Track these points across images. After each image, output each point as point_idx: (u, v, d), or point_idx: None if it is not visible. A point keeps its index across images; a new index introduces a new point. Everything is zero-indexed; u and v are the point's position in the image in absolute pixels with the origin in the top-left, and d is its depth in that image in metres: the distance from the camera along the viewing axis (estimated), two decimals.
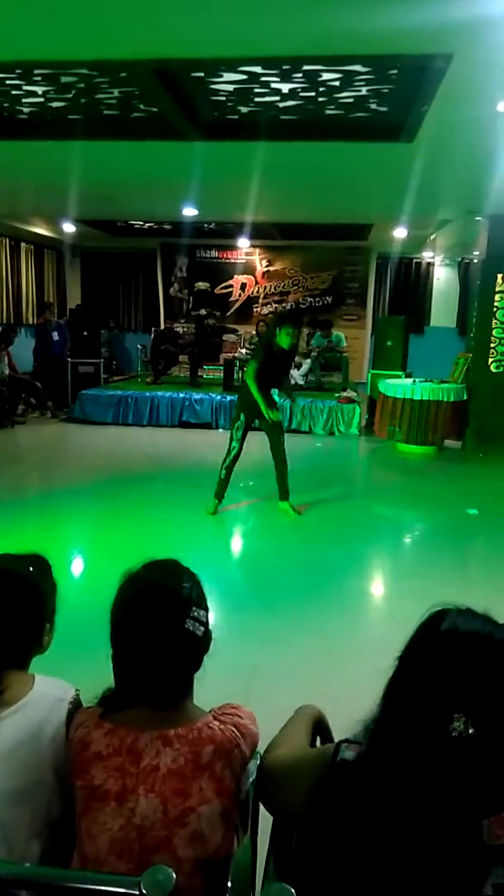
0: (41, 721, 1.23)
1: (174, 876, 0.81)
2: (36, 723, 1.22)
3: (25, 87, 4.10)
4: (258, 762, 1.24)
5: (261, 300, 12.09)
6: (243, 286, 12.12)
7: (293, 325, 4.91)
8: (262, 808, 1.24)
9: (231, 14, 2.96)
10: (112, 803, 1.11)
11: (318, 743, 1.37)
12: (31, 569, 1.35)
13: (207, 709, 1.24)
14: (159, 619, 1.17)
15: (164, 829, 1.09)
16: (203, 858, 1.11)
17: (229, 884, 1.05)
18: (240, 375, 9.76)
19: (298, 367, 10.23)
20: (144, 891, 0.79)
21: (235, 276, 12.10)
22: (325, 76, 3.74)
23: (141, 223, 10.65)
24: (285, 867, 1.13)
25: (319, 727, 1.38)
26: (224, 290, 12.15)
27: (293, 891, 0.81)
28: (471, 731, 0.87)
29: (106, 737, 1.15)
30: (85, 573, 4.16)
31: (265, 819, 1.25)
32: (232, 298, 12.16)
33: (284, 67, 3.62)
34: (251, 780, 1.21)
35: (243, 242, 11.53)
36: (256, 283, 12.07)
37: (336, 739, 1.40)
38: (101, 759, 1.14)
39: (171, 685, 1.19)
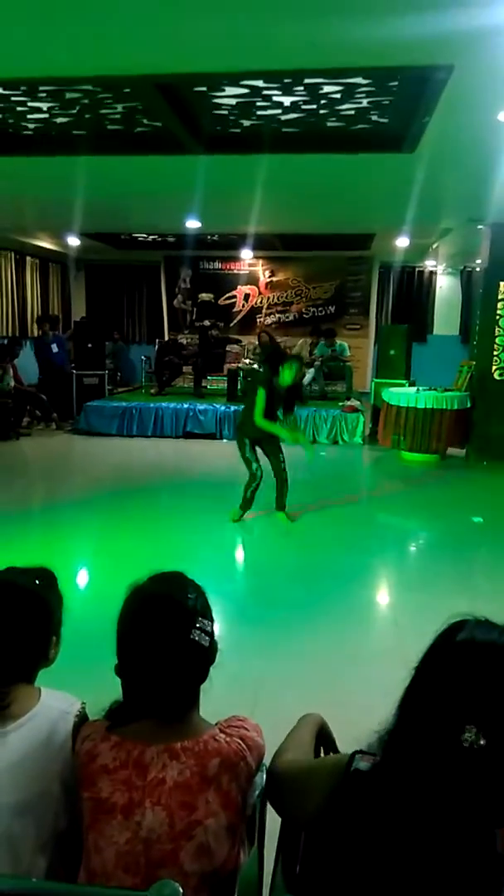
0: (48, 734, 1.23)
1: (181, 891, 0.80)
2: (43, 736, 1.22)
3: (30, 104, 4.15)
4: (264, 775, 1.23)
5: (264, 310, 12.13)
6: (247, 297, 12.17)
7: (294, 359, 5.01)
8: (268, 822, 1.23)
9: (232, 28, 2.99)
10: (119, 816, 1.11)
11: (321, 751, 1.37)
12: (37, 582, 1.36)
13: (213, 721, 1.24)
14: (165, 630, 1.17)
15: (170, 842, 1.09)
16: (209, 872, 1.10)
17: None
18: (241, 393, 9.80)
19: (302, 376, 10.24)
20: None
21: (239, 286, 12.16)
22: (327, 89, 3.77)
23: (145, 236, 10.71)
24: (293, 880, 1.13)
25: (322, 735, 1.38)
26: (227, 301, 12.20)
27: None
28: (482, 741, 0.86)
29: (112, 750, 1.15)
30: (90, 585, 4.16)
31: (271, 833, 1.24)
32: (235, 309, 12.21)
33: (286, 81, 3.65)
34: (257, 793, 1.20)
35: (246, 253, 11.58)
36: (260, 293, 12.12)
37: (340, 747, 1.40)
38: (108, 773, 1.14)
39: (177, 697, 1.19)
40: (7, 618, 1.28)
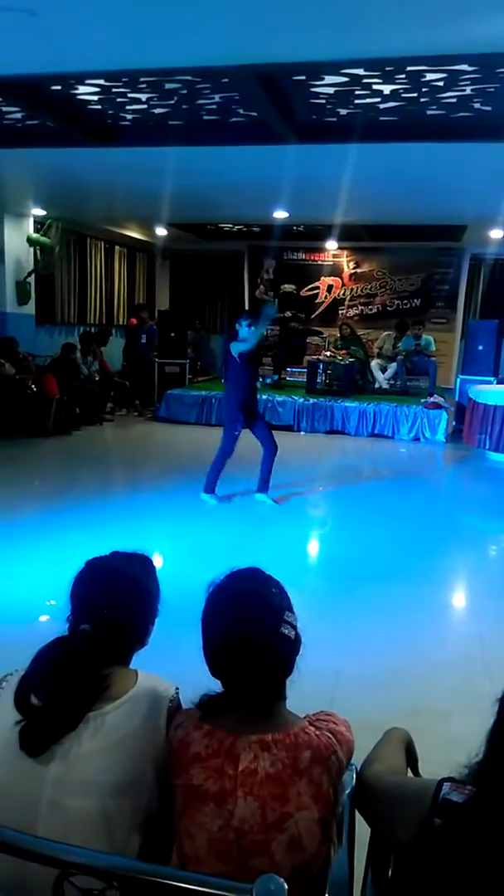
0: (144, 716, 1.25)
1: (286, 887, 0.80)
2: (139, 718, 1.24)
3: (130, 95, 4.22)
4: (353, 774, 1.22)
5: (347, 302, 11.97)
6: (330, 288, 12.04)
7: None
8: (357, 824, 1.22)
9: (336, 18, 2.94)
10: (211, 804, 1.12)
11: (408, 771, 1.34)
12: (140, 570, 1.39)
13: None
14: (257, 626, 1.17)
15: (262, 833, 1.10)
16: (300, 866, 1.10)
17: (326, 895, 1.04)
18: (325, 378, 9.69)
19: (384, 370, 10.07)
20: None
21: (322, 277, 12.03)
22: (429, 76, 3.67)
23: (230, 226, 10.76)
24: (384, 887, 1.11)
25: (408, 752, 1.35)
26: (310, 293, 12.11)
27: None
28: None
29: (205, 738, 1.17)
30: (165, 571, 4.24)
31: (361, 833, 1.23)
32: (318, 300, 12.10)
33: (388, 69, 3.57)
34: (347, 791, 1.19)
35: (331, 244, 11.44)
36: (343, 284, 11.96)
37: (421, 759, 1.37)
38: (200, 760, 1.15)
39: (268, 690, 1.19)
40: (115, 606, 1.32)
